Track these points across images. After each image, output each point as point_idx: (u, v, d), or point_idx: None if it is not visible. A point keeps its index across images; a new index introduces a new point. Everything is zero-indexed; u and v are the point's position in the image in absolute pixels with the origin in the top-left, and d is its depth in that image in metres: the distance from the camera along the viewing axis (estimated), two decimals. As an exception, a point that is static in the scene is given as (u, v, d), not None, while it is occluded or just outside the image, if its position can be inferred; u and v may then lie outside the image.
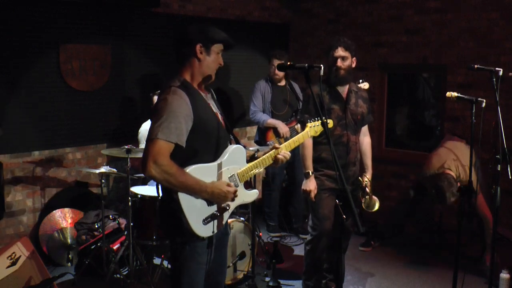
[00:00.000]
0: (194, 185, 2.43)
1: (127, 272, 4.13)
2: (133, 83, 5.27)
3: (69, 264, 4.57)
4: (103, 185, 4.18)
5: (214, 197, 2.50)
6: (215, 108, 2.65)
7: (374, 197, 3.80)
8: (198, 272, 2.58)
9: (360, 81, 4.68)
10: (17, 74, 4.44)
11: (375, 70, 6.14)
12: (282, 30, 6.81)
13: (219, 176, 2.56)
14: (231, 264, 4.05)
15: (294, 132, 5.26)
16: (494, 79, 3.51)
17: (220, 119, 2.65)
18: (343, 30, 6.34)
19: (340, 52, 3.60)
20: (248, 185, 2.84)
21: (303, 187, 3.66)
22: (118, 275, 4.11)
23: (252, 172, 2.70)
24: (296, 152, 5.21)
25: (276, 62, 5.17)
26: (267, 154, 2.74)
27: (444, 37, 5.50)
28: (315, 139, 3.72)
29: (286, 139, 5.24)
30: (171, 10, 5.44)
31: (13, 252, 3.42)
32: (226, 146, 2.66)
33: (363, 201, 3.81)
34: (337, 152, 3.62)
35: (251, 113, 5.33)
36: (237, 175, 2.65)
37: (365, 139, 3.92)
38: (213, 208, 2.54)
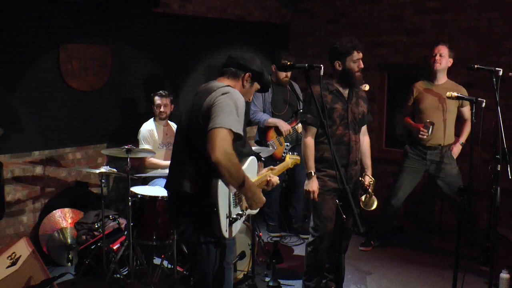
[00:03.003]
0: (245, 179, 2.55)
1: (127, 272, 4.12)
2: (133, 83, 5.27)
3: (69, 264, 4.57)
4: (103, 185, 4.18)
5: (254, 197, 2.62)
6: None
7: (373, 196, 3.81)
8: (228, 272, 2.68)
9: (360, 81, 4.69)
10: (17, 74, 4.44)
11: (375, 70, 6.14)
12: (282, 30, 6.81)
13: None
14: (231, 264, 4.05)
15: (294, 132, 5.26)
16: (494, 79, 3.51)
17: None
18: (343, 30, 6.34)
19: (361, 55, 3.63)
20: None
21: (305, 187, 3.66)
22: (118, 275, 4.11)
23: (259, 185, 2.83)
24: (297, 152, 5.24)
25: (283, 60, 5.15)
26: (263, 173, 2.92)
27: (444, 37, 5.50)
28: (316, 139, 3.72)
29: (286, 139, 5.24)
30: (171, 10, 5.44)
31: (13, 252, 3.42)
32: (247, 156, 2.80)
33: (362, 199, 3.82)
34: (339, 152, 3.63)
35: (251, 113, 5.32)
36: None
37: (365, 139, 3.93)
38: (235, 211, 2.64)
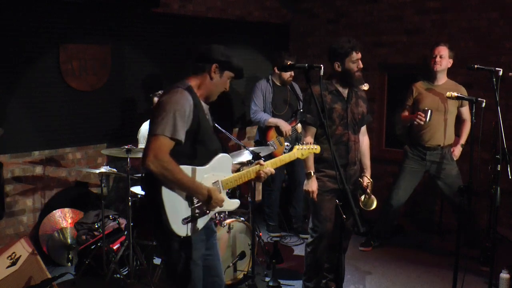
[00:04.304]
0: (190, 184, 2.52)
1: (127, 272, 4.13)
2: (133, 83, 5.27)
3: (69, 264, 4.57)
4: (103, 185, 4.18)
5: (208, 200, 2.58)
6: (210, 120, 2.78)
7: (372, 196, 3.80)
8: (193, 268, 2.64)
9: (360, 80, 4.68)
10: (17, 74, 4.44)
11: (375, 70, 6.14)
12: (282, 30, 6.81)
13: (203, 180, 2.64)
14: (231, 264, 4.05)
15: (294, 132, 5.26)
16: (494, 79, 3.52)
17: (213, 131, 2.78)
18: (343, 30, 6.34)
19: (360, 55, 3.62)
20: (232, 194, 2.88)
21: (304, 187, 3.67)
22: (118, 275, 4.11)
23: (236, 181, 2.78)
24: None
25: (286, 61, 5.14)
26: (250, 168, 2.84)
27: (444, 37, 5.50)
28: (316, 139, 3.72)
29: (286, 139, 5.24)
30: (171, 10, 5.44)
31: (13, 252, 3.43)
32: (213, 155, 2.74)
33: (361, 199, 3.82)
34: (338, 152, 3.63)
35: (252, 113, 5.32)
36: (221, 182, 2.73)
37: (364, 139, 3.93)
38: (194, 210, 2.61)
